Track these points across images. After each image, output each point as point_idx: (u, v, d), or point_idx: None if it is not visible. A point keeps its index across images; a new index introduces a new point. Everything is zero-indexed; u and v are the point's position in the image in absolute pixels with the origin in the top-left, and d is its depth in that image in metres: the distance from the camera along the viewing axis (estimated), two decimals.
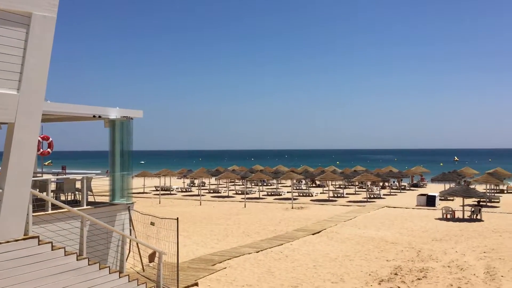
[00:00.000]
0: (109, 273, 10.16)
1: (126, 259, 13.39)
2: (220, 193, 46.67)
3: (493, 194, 40.94)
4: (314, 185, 55.52)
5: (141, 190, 48.05)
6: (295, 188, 47.72)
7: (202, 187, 51.59)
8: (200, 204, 36.18)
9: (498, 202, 36.92)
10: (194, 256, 17.15)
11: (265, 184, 56.41)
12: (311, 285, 13.37)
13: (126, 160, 13.77)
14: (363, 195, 42.65)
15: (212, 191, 48.10)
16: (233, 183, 54.32)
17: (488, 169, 56.07)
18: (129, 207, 13.70)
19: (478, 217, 27.59)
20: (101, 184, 14.69)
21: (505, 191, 46.95)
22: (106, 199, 13.79)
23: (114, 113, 13.21)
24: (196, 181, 55.35)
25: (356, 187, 50.36)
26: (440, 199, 36.42)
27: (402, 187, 51.92)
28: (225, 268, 15.36)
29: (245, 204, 35.21)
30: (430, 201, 34.24)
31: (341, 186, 51.44)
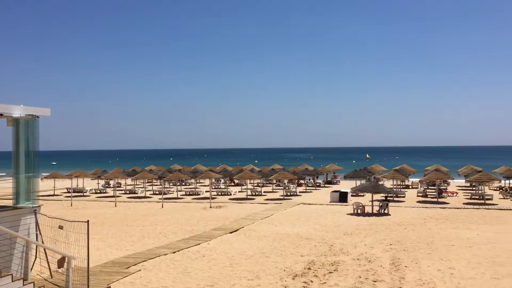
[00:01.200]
0: (12, 281, 9.56)
1: (32, 266, 12.65)
2: (137, 193, 45.50)
3: (399, 190, 43.64)
4: (232, 184, 55.87)
5: (52, 193, 45.60)
6: (213, 187, 47.77)
7: (118, 188, 50.03)
8: (115, 206, 35.04)
9: (403, 197, 39.38)
10: (107, 260, 16.58)
11: (183, 183, 55.87)
12: (227, 284, 13.44)
13: (32, 160, 13.00)
14: (280, 192, 43.64)
15: (128, 192, 46.76)
16: (151, 183, 53.19)
17: (395, 166, 59.68)
18: (35, 210, 12.94)
19: (386, 211, 29.27)
20: (4, 186, 13.77)
21: (410, 187, 50.19)
22: (10, 202, 12.93)
23: (17, 111, 12.41)
24: (112, 182, 53.53)
25: (274, 185, 51.41)
26: (352, 195, 38.18)
27: (317, 184, 53.77)
28: (140, 270, 15.00)
29: (162, 205, 34.64)
30: (342, 197, 35.80)
31: (259, 185, 52.24)
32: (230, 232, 22.45)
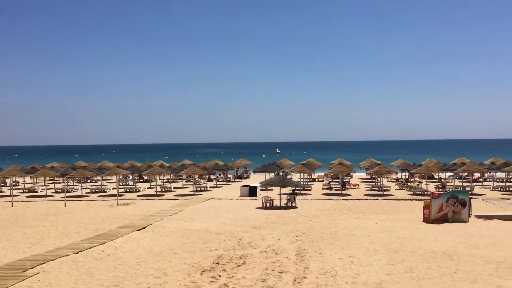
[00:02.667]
0: None
1: None
2: (37, 192, 42.78)
3: (306, 183, 45.24)
4: (141, 180, 54.50)
5: None
6: (121, 184, 46.24)
7: (15, 187, 46.75)
8: (12, 206, 32.68)
9: (310, 190, 40.87)
10: (1, 264, 15.42)
11: (88, 181, 53.51)
12: (132, 283, 13.09)
13: None
14: (190, 188, 43.33)
15: (27, 190, 43.83)
16: (53, 181, 50.31)
17: (303, 160, 61.76)
18: None
19: (293, 204, 30.19)
20: None
21: (317, 180, 52.23)
22: None
23: None
24: (8, 181, 49.82)
25: (184, 181, 50.92)
26: (261, 189, 38.92)
27: (228, 179, 54.11)
28: (38, 273, 14.13)
29: (65, 203, 32.87)
30: (252, 191, 36.35)
31: (169, 181, 51.47)
32: (138, 230, 21.89)
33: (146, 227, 22.68)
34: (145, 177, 53.57)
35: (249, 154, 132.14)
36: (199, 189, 42.37)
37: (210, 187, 44.41)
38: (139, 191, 41.87)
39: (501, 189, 39.30)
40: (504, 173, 45.42)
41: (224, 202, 33.18)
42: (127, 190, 42.14)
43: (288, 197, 30.85)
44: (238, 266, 14.74)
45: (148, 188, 44.26)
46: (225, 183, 50.78)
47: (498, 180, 47.50)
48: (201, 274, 13.84)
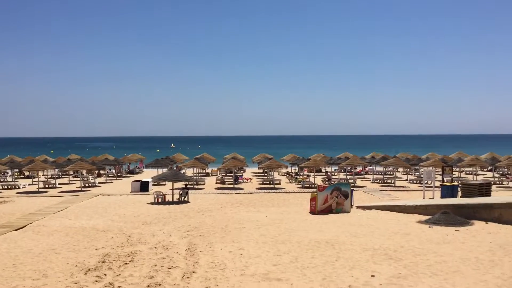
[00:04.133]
0: None
1: None
2: None
3: (199, 177, 45.20)
4: (22, 176, 50.59)
5: None
6: None
7: None
8: None
9: (203, 184, 40.92)
10: None
11: None
12: (7, 286, 12.09)
13: None
14: (77, 184, 41.13)
15: None
16: None
17: (197, 154, 61.62)
18: None
19: (186, 199, 30.00)
20: None
21: (210, 174, 52.42)
22: None
23: None
24: None
25: (71, 176, 48.20)
26: (153, 184, 38.14)
27: (119, 174, 52.24)
28: None
29: None
30: (143, 186, 35.48)
31: (54, 176, 48.38)
32: (16, 230, 20.29)
33: (25, 226, 21.09)
34: (26, 173, 49.86)
35: (142, 149, 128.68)
36: (87, 185, 40.38)
37: (99, 183, 42.53)
38: (19, 188, 38.82)
39: (380, 181, 42.56)
40: (382, 167, 49.24)
41: (114, 198, 31.99)
42: (5, 187, 38.87)
43: (181, 192, 30.57)
44: (126, 263, 14.28)
45: (29, 184, 41.21)
46: (115, 178, 48.95)
47: (377, 173, 51.37)
48: (85, 273, 13.19)
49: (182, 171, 45.23)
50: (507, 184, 40.74)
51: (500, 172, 49.68)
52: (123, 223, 21.80)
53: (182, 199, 29.99)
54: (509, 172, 45.69)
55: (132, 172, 55.76)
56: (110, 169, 52.16)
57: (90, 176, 45.82)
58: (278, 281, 12.12)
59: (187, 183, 36.10)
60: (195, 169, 48.21)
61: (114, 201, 29.94)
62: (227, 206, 27.48)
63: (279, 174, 52.44)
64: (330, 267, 13.33)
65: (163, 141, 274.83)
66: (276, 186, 39.14)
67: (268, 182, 41.43)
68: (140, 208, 26.97)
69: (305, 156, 57.20)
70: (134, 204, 28.42)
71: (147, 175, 49.95)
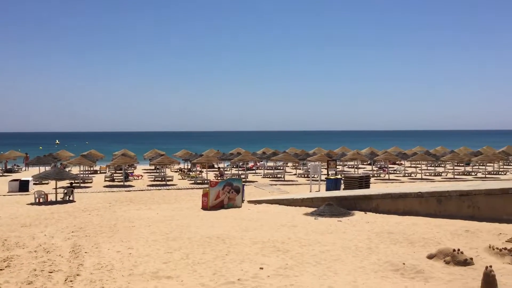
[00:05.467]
0: None
1: None
2: None
3: (87, 175, 43.04)
4: None
5: None
6: None
7: None
8: None
9: (91, 182, 39.03)
10: None
11: None
12: None
13: None
14: None
15: None
16: None
17: (84, 151, 58.59)
18: None
19: (71, 198, 28.38)
20: None
21: (99, 172, 50.17)
22: None
23: None
24: None
25: None
26: (34, 183, 35.57)
27: None
28: None
29: None
30: (23, 186, 32.88)
31: None
32: None
33: None
34: None
35: (21, 145, 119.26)
36: None
37: None
38: None
39: (270, 176, 43.92)
40: (272, 162, 50.87)
41: None
42: None
43: (65, 191, 28.86)
44: (1, 270, 13.15)
45: None
46: None
47: (268, 168, 52.92)
48: None
49: (67, 169, 42.73)
50: (384, 176, 44.30)
51: (378, 166, 53.82)
52: None
53: (67, 199, 28.32)
54: (385, 166, 49.70)
55: (10, 171, 51.40)
56: None
57: None
58: (168, 279, 11.98)
59: (73, 181, 34.17)
60: (81, 166, 45.71)
61: None
62: (116, 204, 26.51)
63: (171, 171, 51.76)
64: (220, 262, 13.47)
65: (46, 137, 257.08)
66: (168, 182, 38.58)
67: (160, 179, 40.69)
68: (18, 209, 24.97)
69: (197, 152, 57.10)
70: (12, 205, 26.25)
71: (29, 174, 46.37)
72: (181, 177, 43.44)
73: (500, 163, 51.65)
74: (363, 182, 30.49)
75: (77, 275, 12.42)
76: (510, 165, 56.72)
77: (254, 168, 53.93)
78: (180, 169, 51.34)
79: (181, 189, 34.42)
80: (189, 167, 52.32)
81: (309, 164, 41.58)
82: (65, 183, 34.90)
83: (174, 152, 59.11)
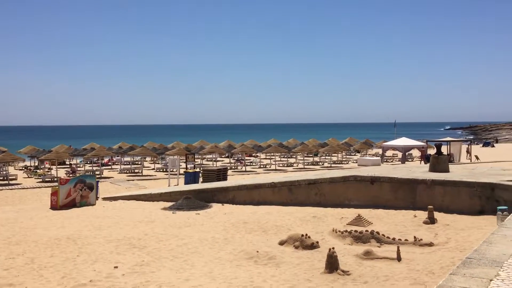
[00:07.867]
0: None
1: None
2: None
3: None
4: None
5: None
6: None
7: None
8: None
9: None
10: None
11: None
12: None
13: None
14: None
15: None
16: None
17: None
18: None
19: None
20: None
21: None
22: None
23: None
24: None
25: None
26: None
27: None
28: None
29: None
30: None
31: None
32: None
33: None
34: None
35: None
36: None
37: None
38: None
39: (127, 171, 42.57)
40: (130, 157, 49.36)
41: None
42: None
43: None
44: None
45: None
46: None
47: (125, 163, 51.18)
48: None
49: None
50: (241, 168, 45.81)
51: (235, 158, 55.44)
52: None
53: None
54: (242, 158, 51.43)
55: None
56: None
57: None
58: (10, 287, 10.93)
59: None
60: None
61: None
62: None
63: (15, 169, 47.19)
64: (71, 264, 12.68)
65: None
66: (11, 182, 35.11)
67: (1, 178, 36.85)
68: None
69: (46, 148, 52.88)
70: None
71: None
72: (27, 176, 39.87)
73: (344, 153, 56.89)
74: (221, 174, 31.16)
75: None
76: (351, 155, 62.68)
77: (110, 163, 51.72)
78: (26, 167, 47.07)
79: (26, 188, 31.61)
80: (36, 164, 48.19)
81: (168, 158, 41.19)
82: None
83: (19, 148, 53.92)
